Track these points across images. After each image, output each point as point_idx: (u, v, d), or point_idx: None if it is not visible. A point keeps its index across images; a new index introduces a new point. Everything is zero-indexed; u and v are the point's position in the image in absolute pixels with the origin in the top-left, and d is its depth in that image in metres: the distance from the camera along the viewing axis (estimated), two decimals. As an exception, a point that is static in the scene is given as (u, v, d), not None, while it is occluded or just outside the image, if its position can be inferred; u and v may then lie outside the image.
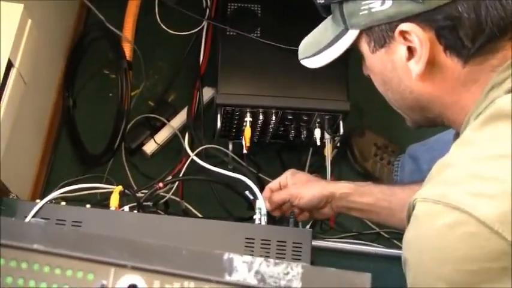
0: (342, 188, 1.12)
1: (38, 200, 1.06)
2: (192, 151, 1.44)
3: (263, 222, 1.09)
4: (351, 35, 0.80)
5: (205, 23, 1.62)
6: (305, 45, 0.90)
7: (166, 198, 1.32)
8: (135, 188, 1.35)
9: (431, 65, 0.75)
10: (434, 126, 0.88)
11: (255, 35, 1.45)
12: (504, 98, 0.72)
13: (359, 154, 1.67)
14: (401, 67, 0.78)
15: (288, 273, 0.62)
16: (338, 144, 1.51)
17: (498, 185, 0.67)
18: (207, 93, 1.63)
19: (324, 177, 1.31)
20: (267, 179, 1.51)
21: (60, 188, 1.11)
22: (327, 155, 1.41)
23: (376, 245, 1.56)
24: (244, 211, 1.24)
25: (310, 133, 1.43)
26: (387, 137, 1.69)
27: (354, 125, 1.66)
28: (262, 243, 1.03)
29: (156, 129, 1.66)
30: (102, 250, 0.60)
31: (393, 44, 0.77)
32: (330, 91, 1.40)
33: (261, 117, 1.38)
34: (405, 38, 0.75)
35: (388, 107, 0.90)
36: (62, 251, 0.60)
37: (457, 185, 0.69)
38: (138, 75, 1.63)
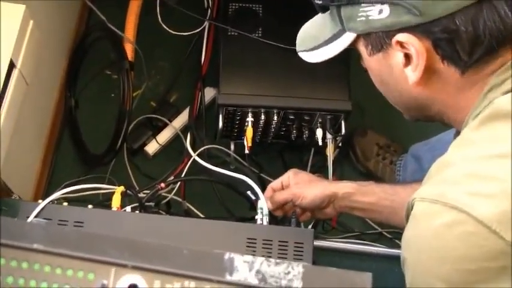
0: (344, 187, 1.12)
1: (40, 201, 1.07)
2: (194, 151, 1.44)
3: (265, 222, 1.09)
4: (349, 36, 0.80)
5: (206, 23, 1.62)
6: (303, 37, 0.90)
7: (168, 198, 1.32)
8: (137, 188, 1.35)
9: (429, 71, 0.75)
10: (432, 121, 0.87)
11: (257, 35, 1.45)
12: (502, 98, 0.72)
13: (361, 154, 1.66)
14: (399, 72, 0.78)
15: (288, 272, 0.61)
16: (340, 144, 1.50)
17: (496, 184, 0.67)
18: (209, 93, 1.63)
19: (326, 177, 1.30)
20: (269, 179, 1.51)
21: (62, 189, 1.11)
22: (328, 154, 1.41)
23: (378, 245, 1.56)
24: (246, 211, 1.24)
25: (312, 133, 1.43)
26: (389, 136, 1.69)
27: (355, 125, 1.66)
28: (264, 243, 1.03)
29: (158, 130, 1.66)
30: (102, 250, 0.60)
31: (390, 50, 0.77)
32: (331, 91, 1.40)
33: (262, 117, 1.38)
34: (402, 46, 0.75)
35: (390, 106, 0.90)
36: (62, 250, 0.60)
37: (455, 184, 0.69)
38: (140, 76, 1.63)
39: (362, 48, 0.81)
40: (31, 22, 1.22)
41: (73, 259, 0.60)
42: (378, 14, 0.74)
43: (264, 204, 1.10)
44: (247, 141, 1.38)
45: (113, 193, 1.11)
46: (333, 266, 0.63)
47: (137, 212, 1.11)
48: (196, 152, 1.42)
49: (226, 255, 0.62)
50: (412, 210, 0.72)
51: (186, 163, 1.49)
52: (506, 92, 0.72)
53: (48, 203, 1.06)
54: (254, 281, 0.61)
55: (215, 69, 1.46)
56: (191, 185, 1.52)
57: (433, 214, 0.69)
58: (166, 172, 1.55)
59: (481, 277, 0.67)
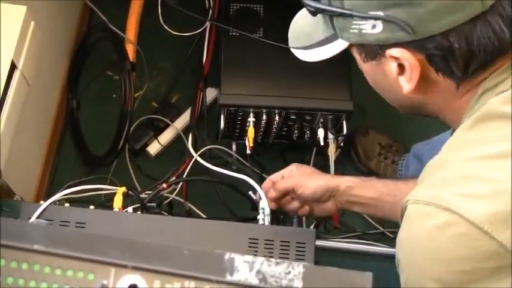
0: (346, 181, 1.11)
1: (41, 202, 1.07)
2: (196, 152, 1.44)
3: (267, 223, 1.09)
4: (341, 43, 0.79)
5: (208, 24, 1.62)
6: (296, 32, 0.89)
7: (170, 199, 1.32)
8: (139, 189, 1.35)
9: (423, 80, 0.75)
10: (430, 118, 0.87)
11: (258, 35, 1.45)
12: (494, 99, 0.72)
13: (363, 154, 1.66)
14: (393, 79, 0.77)
15: (289, 272, 0.61)
16: (342, 144, 1.50)
17: (488, 185, 0.68)
18: (210, 93, 1.63)
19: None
20: (271, 179, 1.51)
21: (64, 190, 1.11)
22: (330, 154, 1.41)
23: (380, 244, 1.56)
24: (247, 211, 1.24)
25: (314, 133, 1.43)
26: (391, 136, 1.69)
27: (357, 125, 1.66)
28: (265, 244, 1.04)
29: (159, 130, 1.66)
30: (102, 250, 0.60)
31: (384, 60, 0.76)
32: (333, 91, 1.40)
33: (264, 117, 1.38)
34: (396, 58, 0.74)
35: (392, 106, 0.90)
36: (62, 251, 0.60)
37: (448, 186, 0.70)
38: (141, 76, 1.63)
39: (356, 54, 0.80)
40: (32, 23, 1.22)
41: (73, 259, 0.60)
42: (371, 28, 0.73)
43: (265, 205, 1.10)
44: (248, 141, 1.38)
45: (115, 194, 1.11)
46: (334, 266, 0.63)
47: (139, 212, 1.11)
48: (198, 153, 1.42)
49: (227, 256, 0.62)
50: (405, 211, 0.73)
51: (188, 163, 1.49)
52: (500, 93, 0.72)
53: (50, 204, 1.06)
54: (254, 281, 0.61)
55: (216, 69, 1.46)
56: (193, 186, 1.53)
57: (426, 216, 0.70)
58: (168, 173, 1.55)
59: (475, 277, 0.67)
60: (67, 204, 1.09)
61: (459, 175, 0.70)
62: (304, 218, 1.38)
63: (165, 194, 1.24)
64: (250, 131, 1.38)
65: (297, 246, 1.03)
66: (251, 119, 1.38)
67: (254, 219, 1.12)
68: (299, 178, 1.13)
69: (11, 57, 1.14)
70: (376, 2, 0.71)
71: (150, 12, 1.61)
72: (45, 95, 1.53)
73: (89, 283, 0.61)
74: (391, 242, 1.56)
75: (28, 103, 1.27)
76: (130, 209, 1.10)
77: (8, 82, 1.15)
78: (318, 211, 1.15)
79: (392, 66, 0.75)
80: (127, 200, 1.12)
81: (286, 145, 1.59)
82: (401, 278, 0.74)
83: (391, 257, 1.56)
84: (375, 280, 0.63)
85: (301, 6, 0.84)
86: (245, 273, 0.61)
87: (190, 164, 1.46)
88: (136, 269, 0.60)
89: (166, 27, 1.62)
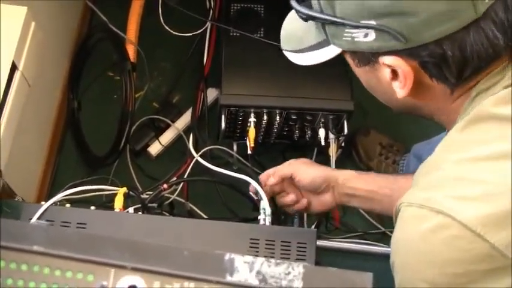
0: (345, 174, 1.11)
1: (42, 202, 1.07)
2: (197, 152, 1.44)
3: (267, 223, 1.09)
4: (334, 49, 0.78)
5: (208, 24, 1.62)
6: (289, 34, 0.87)
7: (171, 199, 1.31)
8: (140, 189, 1.35)
9: (417, 84, 0.74)
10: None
11: (258, 35, 1.45)
12: (486, 100, 0.72)
13: (364, 153, 1.66)
14: (386, 84, 0.77)
15: (289, 273, 0.61)
16: (343, 144, 1.50)
17: (480, 187, 0.68)
18: (211, 94, 1.63)
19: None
20: (272, 179, 1.51)
21: (65, 190, 1.11)
22: (331, 154, 1.41)
23: (381, 244, 1.56)
24: (248, 212, 1.24)
25: (315, 133, 1.43)
26: (392, 136, 1.69)
27: (358, 125, 1.66)
28: (266, 244, 1.03)
29: (160, 131, 1.66)
30: (102, 251, 0.60)
31: (377, 66, 0.76)
32: (334, 91, 1.40)
33: (265, 117, 1.38)
34: (389, 65, 0.74)
35: (392, 106, 0.90)
36: (61, 252, 0.60)
37: (440, 188, 0.70)
38: (142, 77, 1.63)
39: (349, 59, 0.80)
40: (33, 24, 1.22)
41: (72, 260, 0.60)
42: (363, 37, 0.72)
43: (266, 205, 1.10)
44: (249, 141, 1.38)
45: (116, 194, 1.11)
46: (336, 266, 0.63)
47: (140, 213, 1.11)
48: (199, 153, 1.42)
49: (227, 256, 0.62)
50: (399, 213, 0.73)
51: (189, 164, 1.49)
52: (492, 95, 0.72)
53: (51, 204, 1.06)
54: (254, 281, 0.61)
55: (217, 69, 1.46)
56: (194, 186, 1.53)
57: (420, 219, 0.70)
58: (169, 173, 1.55)
59: (468, 279, 0.68)
60: (68, 205, 1.09)
61: (452, 177, 0.71)
62: (305, 217, 1.38)
63: (166, 195, 1.24)
64: (251, 131, 1.38)
65: (298, 247, 1.03)
66: (252, 119, 1.38)
67: (255, 220, 1.12)
68: (298, 166, 1.13)
69: (12, 58, 1.14)
70: (367, 11, 0.70)
71: (150, 12, 1.61)
72: (46, 96, 1.53)
73: (89, 284, 0.61)
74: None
75: (29, 104, 1.27)
76: (131, 210, 1.10)
77: (8, 83, 1.15)
78: (316, 205, 1.14)
79: (386, 72, 0.75)
80: (128, 201, 1.12)
81: (287, 145, 1.59)
82: (396, 279, 0.74)
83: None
84: (375, 280, 0.63)
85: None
86: (245, 274, 0.61)
87: (191, 164, 1.46)
88: (136, 269, 0.59)
89: (167, 28, 1.62)
